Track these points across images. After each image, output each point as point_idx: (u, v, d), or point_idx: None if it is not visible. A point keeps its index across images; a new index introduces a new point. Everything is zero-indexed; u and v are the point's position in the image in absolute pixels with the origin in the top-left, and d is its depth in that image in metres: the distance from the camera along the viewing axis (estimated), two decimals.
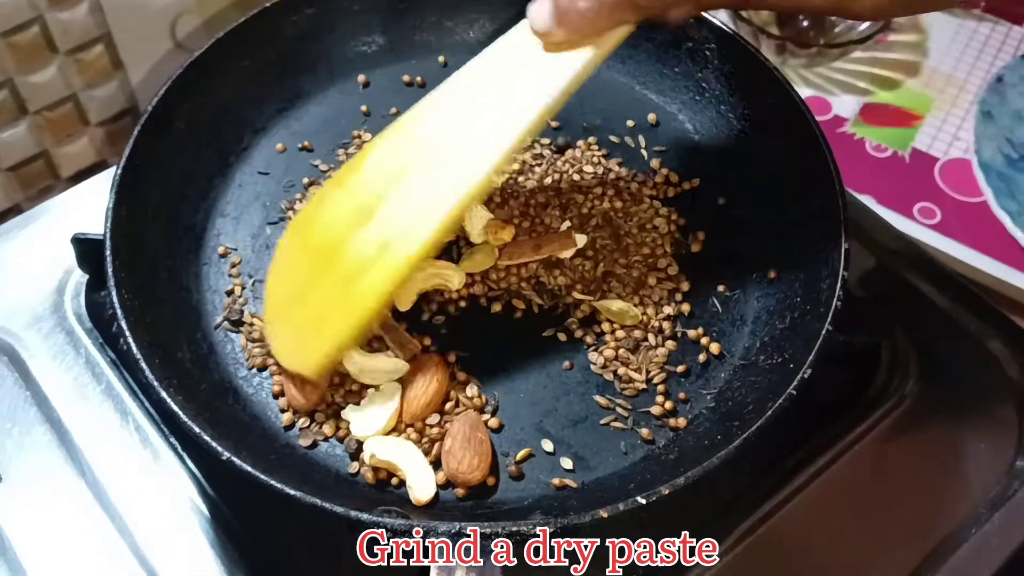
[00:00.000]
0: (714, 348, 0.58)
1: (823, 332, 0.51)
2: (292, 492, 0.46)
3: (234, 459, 0.47)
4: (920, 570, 0.54)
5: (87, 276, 0.62)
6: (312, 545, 0.54)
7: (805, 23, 0.86)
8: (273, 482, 0.46)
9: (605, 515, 0.46)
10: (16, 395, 0.58)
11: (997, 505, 0.56)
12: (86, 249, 0.59)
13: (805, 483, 0.56)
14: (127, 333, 0.51)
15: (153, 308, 0.55)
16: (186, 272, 0.60)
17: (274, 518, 0.53)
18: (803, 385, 0.50)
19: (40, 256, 0.64)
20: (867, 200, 0.74)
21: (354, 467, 0.53)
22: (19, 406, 0.57)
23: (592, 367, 0.57)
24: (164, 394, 0.49)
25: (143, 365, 0.50)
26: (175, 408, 0.49)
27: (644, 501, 0.46)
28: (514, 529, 0.46)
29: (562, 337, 0.58)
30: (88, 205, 0.65)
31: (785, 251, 0.59)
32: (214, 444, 0.47)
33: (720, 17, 0.70)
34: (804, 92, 0.83)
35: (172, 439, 0.57)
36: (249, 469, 0.47)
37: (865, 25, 0.83)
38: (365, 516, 0.46)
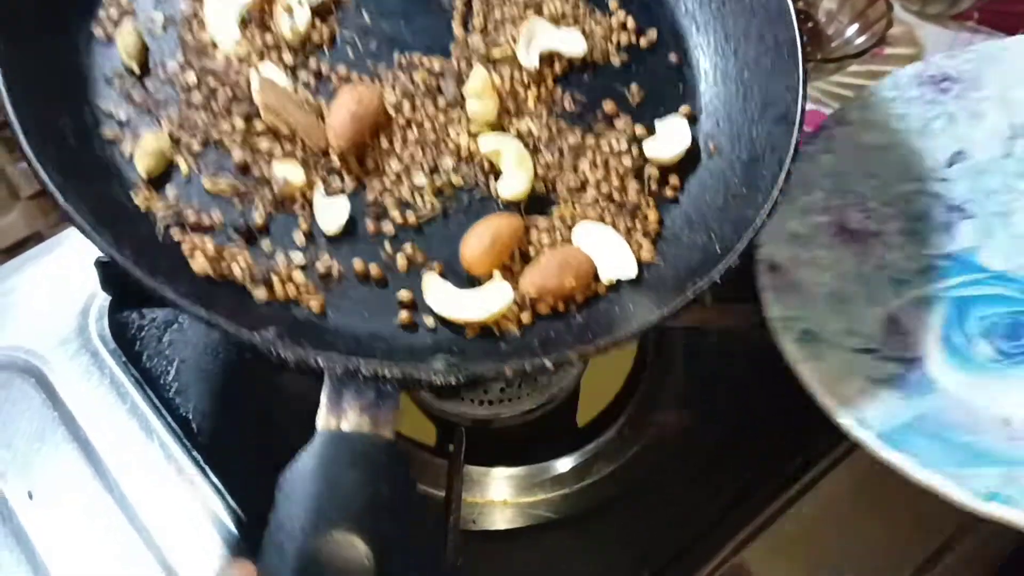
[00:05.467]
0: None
1: (757, 222, 0.46)
2: (174, 297, 0.40)
3: (116, 255, 0.40)
4: None
5: (110, 298, 0.64)
6: None
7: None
8: (156, 284, 0.40)
9: (509, 373, 0.42)
10: (44, 415, 0.60)
11: None
12: (109, 272, 0.60)
13: (801, 491, 0.57)
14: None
15: (33, 60, 0.46)
16: (77, 28, 0.50)
17: None
18: (730, 273, 0.45)
19: (64, 281, 0.65)
20: None
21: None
22: (47, 426, 0.59)
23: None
24: (43, 175, 0.41)
25: (17, 129, 0.42)
26: (52, 189, 0.41)
27: (550, 364, 0.42)
28: (411, 373, 0.41)
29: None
30: None
31: (731, 125, 0.55)
32: (95, 235, 0.40)
33: None
34: None
35: (195, 454, 0.58)
36: (131, 266, 0.40)
37: (861, 39, 0.85)
38: (258, 337, 0.40)
